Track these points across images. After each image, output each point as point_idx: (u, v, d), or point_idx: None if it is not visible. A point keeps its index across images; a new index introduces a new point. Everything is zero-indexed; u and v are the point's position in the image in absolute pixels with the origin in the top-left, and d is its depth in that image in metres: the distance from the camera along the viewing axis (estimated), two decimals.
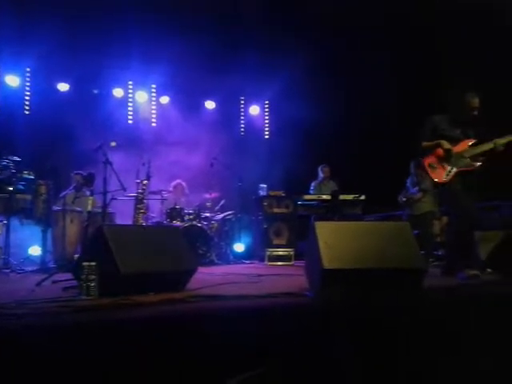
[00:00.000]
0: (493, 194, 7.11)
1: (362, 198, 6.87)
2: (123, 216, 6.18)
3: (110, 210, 5.60)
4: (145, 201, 5.74)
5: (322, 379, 2.15)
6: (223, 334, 2.18)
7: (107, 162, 4.92)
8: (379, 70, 8.11)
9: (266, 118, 9.96)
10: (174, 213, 6.53)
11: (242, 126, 9.77)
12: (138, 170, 5.98)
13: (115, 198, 5.54)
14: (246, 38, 7.91)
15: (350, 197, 6.87)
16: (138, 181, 5.82)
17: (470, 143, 4.04)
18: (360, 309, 2.30)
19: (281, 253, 6.67)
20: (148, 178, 5.87)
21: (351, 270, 2.62)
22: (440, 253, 6.49)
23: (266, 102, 9.89)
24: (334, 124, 8.64)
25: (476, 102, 4.00)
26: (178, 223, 6.40)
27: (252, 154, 9.06)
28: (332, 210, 6.80)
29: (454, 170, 3.96)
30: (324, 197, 6.96)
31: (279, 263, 6.52)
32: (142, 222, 5.69)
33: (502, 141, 3.93)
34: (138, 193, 5.70)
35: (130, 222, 5.74)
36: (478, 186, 4.10)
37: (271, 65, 8.34)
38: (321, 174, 7.64)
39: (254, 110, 9.80)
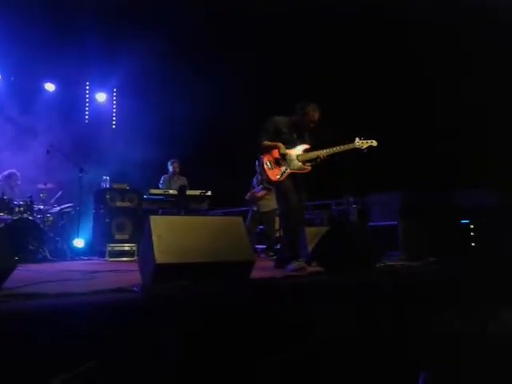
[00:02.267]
0: (325, 194, 7.89)
1: (209, 193, 6.96)
2: None
3: None
4: None
5: (147, 375, 2.11)
6: (38, 335, 2.01)
7: None
8: (235, 65, 8.31)
9: (114, 106, 9.50)
10: (1, 204, 5.86)
11: (87, 112, 9.16)
12: None
13: None
14: (91, 20, 7.41)
15: (196, 192, 6.90)
16: None
17: (304, 148, 4.42)
18: (188, 302, 2.31)
19: (124, 248, 6.42)
20: None
21: (183, 264, 2.63)
22: (278, 247, 6.93)
23: (115, 89, 9.43)
24: (185, 117, 8.61)
25: (316, 115, 4.38)
26: (6, 216, 5.74)
27: (97, 143, 8.56)
28: (178, 205, 6.77)
29: (288, 170, 4.29)
30: (171, 192, 6.87)
31: (122, 259, 6.27)
32: None
33: (322, 153, 4.37)
34: None
35: None
36: (310, 186, 4.50)
37: (120, 50, 7.96)
38: (170, 169, 7.54)
39: (101, 96, 9.27)
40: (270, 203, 7.17)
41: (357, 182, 7.52)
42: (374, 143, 4.51)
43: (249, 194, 7.39)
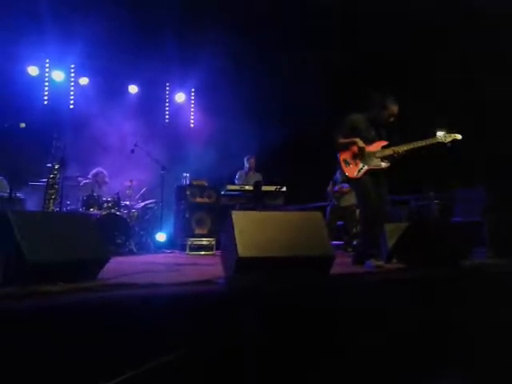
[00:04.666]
0: (404, 189, 7.63)
1: (284, 189, 7.02)
2: (38, 203, 5.83)
3: (19, 195, 5.27)
4: (56, 186, 5.45)
5: (229, 365, 2.19)
6: (133, 322, 2.16)
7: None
8: (308, 63, 8.28)
9: (192, 105, 9.84)
10: (91, 200, 6.26)
11: (167, 112, 9.58)
12: (51, 154, 5.67)
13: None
14: (172, 24, 7.72)
15: (272, 188, 6.99)
16: (50, 165, 5.51)
17: (382, 145, 4.27)
18: (270, 294, 2.37)
19: (202, 242, 6.65)
20: (63, 163, 5.58)
21: (264, 258, 2.68)
22: (355, 243, 6.82)
23: (193, 89, 9.77)
24: (261, 115, 8.72)
25: (396, 109, 4.22)
26: (96, 211, 6.16)
27: (177, 141, 8.93)
28: (254, 201, 6.89)
29: (366, 167, 4.18)
30: (247, 187, 7.02)
31: (201, 253, 6.50)
32: (53, 208, 5.39)
33: (400, 149, 4.20)
34: (49, 178, 5.40)
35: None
36: (389, 182, 4.37)
37: (198, 52, 8.22)
38: (246, 165, 7.69)
39: (180, 97, 9.64)
40: (351, 198, 7.09)
41: (439, 177, 7.19)
42: (458, 136, 4.24)
43: (332, 188, 7.34)
